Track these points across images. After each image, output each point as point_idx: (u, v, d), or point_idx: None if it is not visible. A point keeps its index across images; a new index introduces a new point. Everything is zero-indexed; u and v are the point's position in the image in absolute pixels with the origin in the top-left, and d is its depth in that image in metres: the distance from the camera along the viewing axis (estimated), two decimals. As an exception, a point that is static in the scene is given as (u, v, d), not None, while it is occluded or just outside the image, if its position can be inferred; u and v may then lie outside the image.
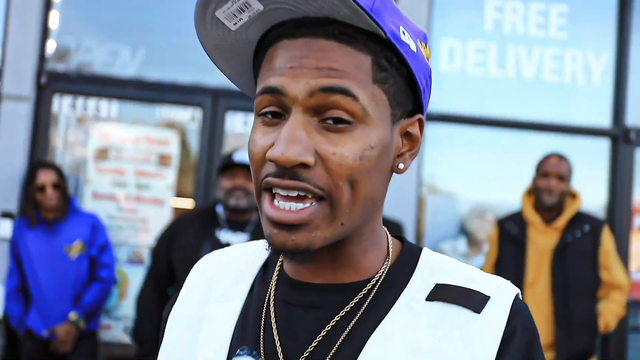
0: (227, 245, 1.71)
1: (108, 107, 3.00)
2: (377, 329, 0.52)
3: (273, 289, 0.60)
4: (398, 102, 0.54)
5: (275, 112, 0.50)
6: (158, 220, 2.87)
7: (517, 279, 2.44)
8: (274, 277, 0.61)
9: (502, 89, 3.25)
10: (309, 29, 0.50)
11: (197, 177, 2.99)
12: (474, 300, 0.55)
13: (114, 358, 2.93)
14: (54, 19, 2.94)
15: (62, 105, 3.00)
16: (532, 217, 2.57)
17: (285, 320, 0.56)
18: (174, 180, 3.00)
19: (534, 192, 2.58)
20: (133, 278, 2.89)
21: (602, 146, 3.23)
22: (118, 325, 2.91)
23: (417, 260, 0.58)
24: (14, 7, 2.85)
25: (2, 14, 2.87)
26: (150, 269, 2.37)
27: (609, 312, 2.54)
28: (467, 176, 3.30)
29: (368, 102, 0.49)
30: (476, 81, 3.20)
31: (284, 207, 0.49)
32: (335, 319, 0.53)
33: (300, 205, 0.48)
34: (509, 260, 2.59)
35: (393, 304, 0.54)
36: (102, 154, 2.95)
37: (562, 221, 2.53)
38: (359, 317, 0.53)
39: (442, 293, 0.55)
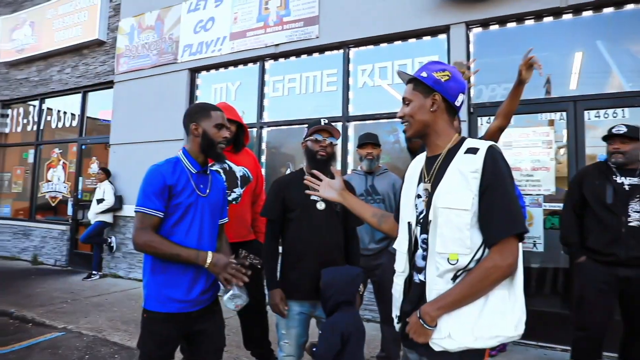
0: (622, 185, 3.19)
1: (508, 118, 5.21)
2: (450, 164, 1.53)
3: (424, 161, 1.67)
4: (423, 92, 1.62)
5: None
6: (547, 179, 4.88)
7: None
8: (425, 158, 1.68)
9: None
10: (408, 82, 1.70)
11: (568, 151, 4.84)
12: (474, 150, 1.49)
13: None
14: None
15: (484, 122, 5.38)
16: None
17: (427, 170, 1.62)
18: (553, 155, 4.98)
19: None
20: (535, 213, 4.94)
21: None
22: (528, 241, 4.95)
23: (462, 142, 1.59)
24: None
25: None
26: (569, 199, 3.47)
27: None
28: None
29: (410, 97, 1.65)
30: None
31: (404, 126, 1.72)
32: (435, 164, 1.59)
33: (406, 126, 1.69)
34: None
35: (453, 158, 1.54)
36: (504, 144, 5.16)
37: None
38: (445, 162, 1.56)
39: (467, 149, 1.52)
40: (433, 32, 5.56)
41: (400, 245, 1.66)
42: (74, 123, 9.08)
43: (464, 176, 1.44)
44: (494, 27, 5.25)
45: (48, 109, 9.63)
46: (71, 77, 8.99)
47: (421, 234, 1.57)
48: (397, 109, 5.57)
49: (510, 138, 5.12)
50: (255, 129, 6.58)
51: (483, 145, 1.47)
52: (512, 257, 1.38)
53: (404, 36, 5.74)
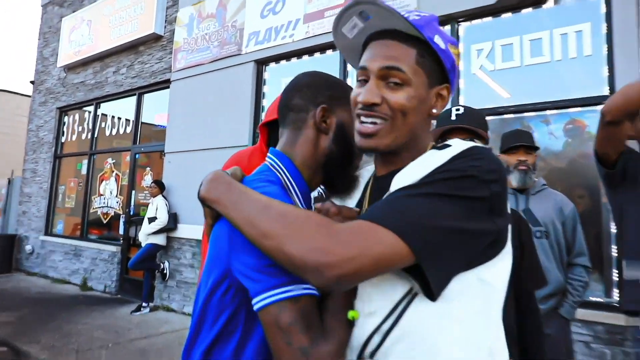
0: None
1: None
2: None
3: (370, 185, 1.09)
4: (431, 75, 0.99)
5: (364, 79, 0.99)
6: None
7: None
8: (372, 179, 1.10)
9: None
10: (384, 35, 0.98)
11: None
12: (442, 147, 0.94)
13: None
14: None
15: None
16: None
17: (370, 202, 1.05)
18: None
19: None
20: None
21: None
22: None
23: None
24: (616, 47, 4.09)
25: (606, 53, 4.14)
26: None
27: None
28: None
29: (411, 75, 0.95)
30: None
31: (366, 126, 0.96)
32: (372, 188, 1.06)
33: (373, 126, 0.96)
34: None
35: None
36: None
37: None
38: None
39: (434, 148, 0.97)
40: (585, -10, 4.27)
41: None
42: (128, 129, 8.74)
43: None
44: (687, -25, 3.86)
45: (103, 114, 9.41)
46: (126, 78, 8.67)
47: None
48: (530, 98, 4.55)
49: None
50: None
51: (461, 143, 0.95)
52: (357, 249, 0.78)
53: (536, 0, 4.51)
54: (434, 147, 0.99)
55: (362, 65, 0.99)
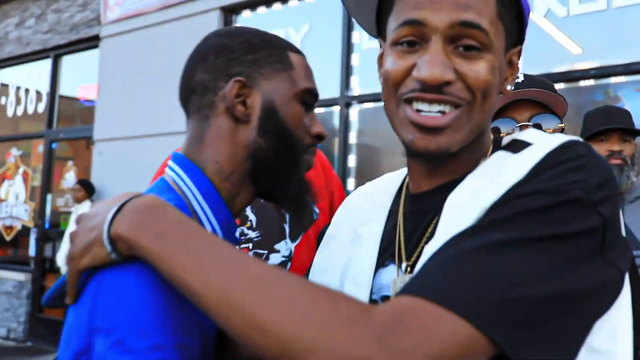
0: None
1: None
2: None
3: (402, 205, 1.02)
4: (509, 35, 0.93)
5: (411, 41, 0.87)
6: None
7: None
8: (403, 196, 1.04)
9: None
10: None
11: None
12: (517, 147, 0.88)
13: None
14: None
15: None
16: None
17: (408, 229, 0.97)
18: None
19: None
20: None
21: None
22: None
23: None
24: None
25: None
26: None
27: None
28: None
29: (493, 35, 0.87)
30: None
31: (431, 116, 0.86)
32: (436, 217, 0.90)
33: (442, 115, 0.86)
34: None
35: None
36: None
37: None
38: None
39: (506, 146, 0.92)
40: None
41: None
42: (41, 107, 8.84)
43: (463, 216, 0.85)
44: None
45: (3, 85, 9.50)
46: (35, 33, 8.76)
47: None
48: (620, 56, 4.42)
49: None
50: (336, 108, 6.03)
51: (547, 139, 0.89)
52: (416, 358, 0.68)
53: None
54: (496, 146, 0.97)
55: (413, 19, 0.87)
